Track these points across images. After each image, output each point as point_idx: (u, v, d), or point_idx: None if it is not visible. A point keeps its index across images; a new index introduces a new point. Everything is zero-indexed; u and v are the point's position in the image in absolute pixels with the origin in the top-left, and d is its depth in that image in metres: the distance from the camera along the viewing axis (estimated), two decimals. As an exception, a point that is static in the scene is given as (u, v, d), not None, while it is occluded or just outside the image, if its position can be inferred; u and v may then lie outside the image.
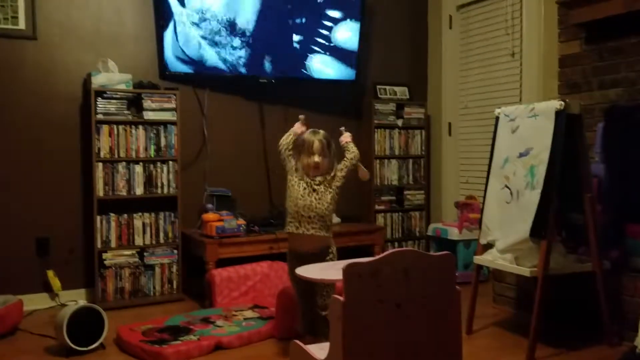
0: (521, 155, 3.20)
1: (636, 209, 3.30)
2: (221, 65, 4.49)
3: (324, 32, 4.80)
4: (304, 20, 4.73)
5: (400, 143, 5.20)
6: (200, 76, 4.47)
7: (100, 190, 4.02)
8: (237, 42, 4.50)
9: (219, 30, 4.43)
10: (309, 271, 2.62)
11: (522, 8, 4.51)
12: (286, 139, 3.09)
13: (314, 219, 2.93)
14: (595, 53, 3.83)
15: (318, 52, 4.80)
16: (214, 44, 4.42)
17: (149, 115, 4.15)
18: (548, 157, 3.02)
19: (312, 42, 4.78)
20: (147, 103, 4.15)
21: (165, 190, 4.23)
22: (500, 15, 4.75)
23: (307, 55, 4.78)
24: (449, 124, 5.33)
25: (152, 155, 4.19)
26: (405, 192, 5.25)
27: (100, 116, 4.01)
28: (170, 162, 4.24)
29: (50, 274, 4.07)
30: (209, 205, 4.41)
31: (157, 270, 4.22)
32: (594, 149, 3.54)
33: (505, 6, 4.69)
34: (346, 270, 1.86)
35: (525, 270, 3.09)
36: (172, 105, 4.22)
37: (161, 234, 4.23)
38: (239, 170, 4.71)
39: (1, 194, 3.99)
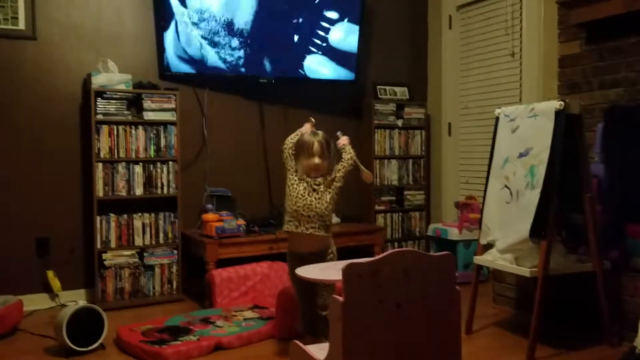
0: (521, 155, 3.20)
1: (636, 209, 3.30)
2: (221, 65, 4.49)
3: (324, 33, 4.80)
4: (304, 21, 4.72)
5: (400, 143, 5.20)
6: (201, 76, 4.47)
7: (100, 190, 4.02)
8: (235, 42, 4.50)
9: (218, 30, 4.43)
10: (309, 271, 2.62)
11: (522, 8, 4.51)
12: (293, 139, 3.08)
13: (313, 218, 2.93)
14: (595, 53, 3.83)
15: (318, 53, 4.80)
16: (214, 44, 4.42)
17: (148, 116, 4.15)
18: (548, 157, 3.02)
19: (312, 43, 4.78)
20: (147, 103, 4.15)
21: (165, 191, 4.23)
22: (500, 16, 4.75)
23: (307, 56, 4.78)
24: (449, 124, 5.33)
25: (152, 156, 4.19)
26: (405, 193, 5.25)
27: (100, 116, 4.01)
28: (170, 163, 4.24)
29: (50, 274, 4.07)
30: (209, 206, 4.41)
31: (157, 270, 4.22)
32: (593, 149, 3.54)
33: (505, 6, 4.69)
34: (346, 271, 1.86)
35: (525, 271, 3.09)
36: (172, 105, 4.22)
37: (161, 235, 4.23)
38: (238, 170, 4.71)
39: (1, 194, 4.00)
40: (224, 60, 4.48)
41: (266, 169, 4.82)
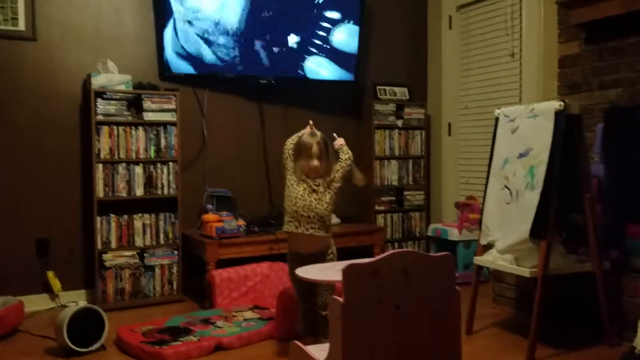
0: (521, 155, 3.20)
1: (636, 209, 3.30)
2: (219, 64, 4.48)
3: (324, 34, 4.80)
4: (304, 21, 4.73)
5: (400, 143, 5.20)
6: (201, 77, 4.47)
7: (100, 191, 4.02)
8: (231, 42, 4.50)
9: (214, 30, 4.43)
10: (309, 272, 2.63)
11: (521, 8, 4.51)
12: (293, 141, 3.08)
13: (313, 219, 2.93)
14: (595, 53, 3.84)
15: (318, 53, 4.81)
16: (210, 43, 4.41)
17: (148, 116, 4.16)
18: (548, 157, 3.02)
19: (312, 43, 4.78)
20: (147, 104, 4.15)
21: (166, 191, 4.23)
22: (500, 16, 4.75)
23: (307, 57, 4.78)
24: (449, 124, 5.33)
25: (152, 156, 4.19)
26: (405, 193, 5.25)
27: (100, 117, 4.01)
28: (170, 163, 4.24)
29: (51, 275, 4.07)
30: (209, 206, 4.41)
31: (157, 271, 4.22)
32: (593, 150, 3.54)
33: (505, 7, 4.69)
34: (346, 271, 1.87)
35: (525, 271, 3.09)
36: (172, 106, 4.22)
37: (161, 235, 4.23)
38: (238, 170, 4.71)
39: (2, 195, 4.00)
40: (221, 60, 4.47)
41: (266, 170, 4.82)
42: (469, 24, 5.14)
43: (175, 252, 4.27)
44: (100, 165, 4.03)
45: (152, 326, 3.44)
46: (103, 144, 4.03)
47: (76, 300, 4.08)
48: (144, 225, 4.18)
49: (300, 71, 4.78)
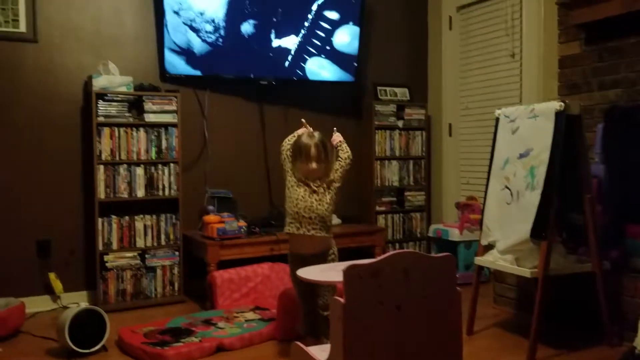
0: (521, 156, 3.21)
1: (636, 210, 3.30)
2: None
3: (324, 35, 4.81)
4: (304, 22, 4.73)
5: (401, 144, 5.21)
6: (201, 78, 4.48)
7: (101, 192, 4.03)
8: (228, 42, 4.52)
9: (212, 30, 4.44)
10: (310, 272, 2.63)
11: (522, 9, 4.51)
12: (290, 141, 3.08)
13: (314, 219, 2.93)
14: (595, 54, 3.84)
15: (318, 54, 4.81)
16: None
17: (149, 118, 4.16)
18: (548, 157, 3.02)
19: (312, 44, 4.78)
20: (148, 105, 4.16)
21: (167, 192, 4.23)
22: (500, 16, 4.75)
23: (307, 57, 4.79)
24: (450, 124, 5.33)
25: (153, 158, 4.20)
26: (406, 193, 5.26)
27: (101, 118, 4.02)
28: (171, 164, 4.25)
29: (52, 276, 4.08)
30: (210, 207, 4.41)
31: (159, 272, 4.23)
32: (593, 150, 3.55)
33: (505, 7, 4.70)
34: (347, 272, 1.87)
35: (525, 271, 3.09)
36: (173, 107, 4.23)
37: (162, 236, 4.24)
38: (239, 171, 4.72)
39: (3, 196, 4.01)
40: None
41: (266, 170, 4.83)
42: (469, 24, 5.14)
43: (177, 253, 4.27)
44: (102, 167, 4.03)
45: (154, 327, 3.44)
46: (104, 145, 4.04)
47: (77, 301, 4.09)
48: (145, 226, 4.19)
49: (300, 72, 4.79)
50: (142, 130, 4.16)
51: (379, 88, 5.21)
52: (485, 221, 3.43)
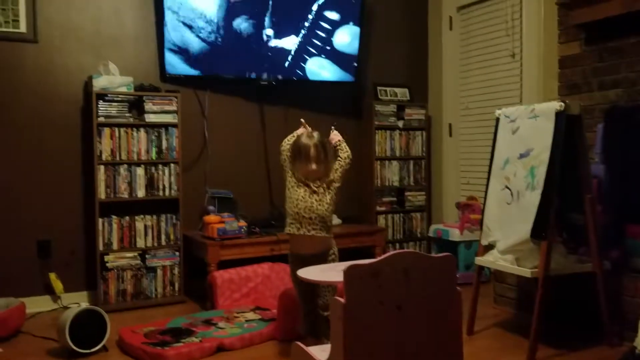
0: (521, 156, 3.21)
1: (636, 210, 3.30)
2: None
3: (324, 35, 4.81)
4: (304, 23, 4.73)
5: (401, 144, 5.21)
6: (202, 78, 4.49)
7: (102, 192, 4.03)
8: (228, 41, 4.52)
9: (212, 31, 4.44)
10: (311, 273, 2.63)
11: (522, 9, 4.51)
12: (290, 141, 3.08)
13: (315, 220, 2.94)
14: (595, 54, 3.84)
15: (318, 54, 4.81)
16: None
17: (150, 118, 4.17)
18: (548, 157, 3.03)
19: (312, 44, 4.78)
20: (148, 105, 4.16)
21: (167, 193, 4.24)
22: (501, 17, 4.76)
23: (307, 58, 4.79)
24: (450, 125, 5.33)
25: (154, 158, 4.20)
26: (406, 193, 5.26)
27: (101, 119, 4.02)
28: (172, 165, 4.25)
29: (53, 276, 4.08)
30: (211, 207, 4.42)
31: (159, 272, 4.23)
32: (594, 150, 3.55)
33: (505, 7, 4.70)
34: (347, 272, 1.87)
35: (526, 271, 3.09)
36: (173, 107, 4.23)
37: (163, 236, 4.24)
38: (239, 171, 4.72)
39: (3, 196, 4.01)
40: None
41: (267, 170, 4.83)
42: (469, 24, 5.14)
43: (177, 253, 4.27)
44: (102, 167, 4.04)
45: (154, 327, 3.44)
46: (104, 145, 4.04)
47: (78, 301, 4.10)
48: (145, 226, 4.19)
49: (300, 72, 4.79)
50: (142, 130, 4.16)
51: (379, 88, 5.22)
52: (486, 221, 3.43)
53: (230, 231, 4.09)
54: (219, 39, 4.47)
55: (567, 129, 3.02)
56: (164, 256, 4.24)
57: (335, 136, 3.16)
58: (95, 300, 4.08)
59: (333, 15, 4.81)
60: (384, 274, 1.91)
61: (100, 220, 4.04)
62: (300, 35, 4.73)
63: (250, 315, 3.65)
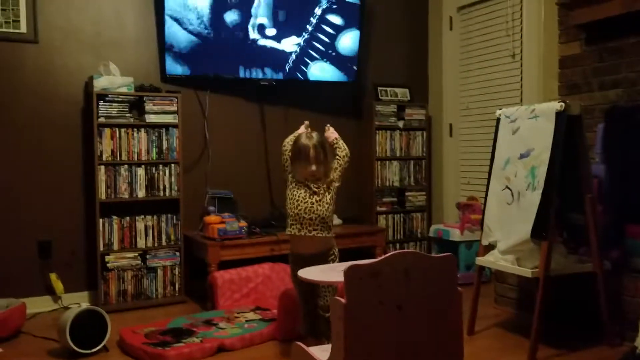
0: (522, 156, 3.21)
1: (637, 210, 3.30)
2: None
3: (324, 37, 4.81)
4: (304, 24, 4.73)
5: (402, 144, 5.21)
6: (202, 78, 4.49)
7: (102, 193, 4.04)
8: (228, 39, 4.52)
9: (213, 32, 4.45)
10: (311, 273, 2.63)
11: (522, 9, 4.52)
12: (291, 141, 3.08)
13: (315, 221, 2.94)
14: (595, 54, 3.84)
15: (318, 55, 4.81)
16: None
17: (150, 118, 4.17)
18: (549, 158, 3.03)
19: (312, 45, 4.78)
20: (148, 106, 4.16)
21: (167, 193, 4.24)
22: (501, 17, 4.76)
23: (307, 58, 4.79)
24: (450, 125, 5.33)
25: (154, 158, 4.20)
26: (407, 194, 5.26)
27: (102, 119, 4.02)
28: (172, 165, 4.25)
29: (53, 276, 4.08)
30: (211, 208, 4.42)
31: (160, 272, 4.23)
32: (594, 150, 3.55)
33: (505, 7, 4.70)
34: (347, 272, 1.87)
35: (526, 271, 3.09)
36: (174, 108, 4.24)
37: (163, 237, 4.25)
38: (240, 172, 4.72)
39: (4, 197, 4.01)
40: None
41: (267, 170, 4.83)
42: (469, 24, 5.14)
43: (177, 253, 4.28)
44: (103, 167, 4.04)
45: (155, 328, 3.44)
46: (105, 145, 4.04)
47: (79, 302, 4.10)
48: (146, 227, 4.19)
49: (301, 73, 4.79)
50: (142, 130, 4.16)
51: (379, 88, 5.21)
52: (486, 221, 3.44)
53: (231, 231, 4.09)
54: (220, 40, 4.47)
55: (567, 129, 3.02)
56: (165, 256, 4.24)
57: (331, 134, 3.16)
58: (96, 301, 4.08)
59: (333, 17, 4.81)
60: (384, 274, 1.91)
61: (100, 220, 4.05)
62: (302, 37, 4.73)
63: (251, 316, 3.65)
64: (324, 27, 4.80)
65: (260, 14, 4.56)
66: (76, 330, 3.08)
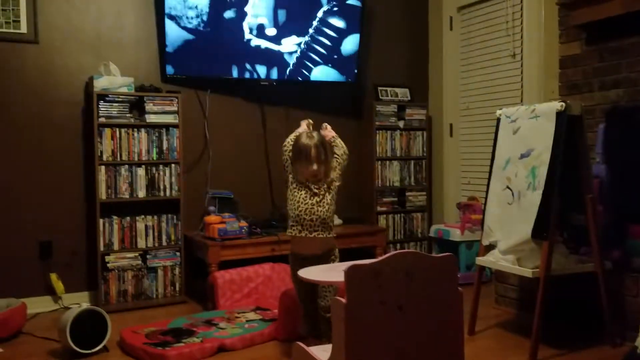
0: (522, 156, 3.21)
1: (637, 210, 3.30)
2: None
3: (324, 39, 4.81)
4: (305, 26, 4.73)
5: (402, 144, 5.20)
6: (202, 79, 4.49)
7: (102, 193, 4.04)
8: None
9: (213, 32, 4.45)
10: (312, 273, 2.63)
11: (522, 9, 4.51)
12: (292, 141, 3.08)
13: (316, 222, 2.94)
14: (595, 54, 3.84)
15: (319, 56, 4.81)
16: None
17: (151, 118, 4.17)
18: (549, 158, 3.02)
19: (312, 47, 4.78)
20: (149, 106, 4.16)
21: (168, 193, 4.24)
22: (501, 17, 4.76)
23: (308, 59, 4.79)
24: (450, 125, 5.33)
25: (155, 158, 4.20)
26: (407, 194, 5.25)
27: (102, 119, 4.02)
28: (173, 165, 4.25)
29: (54, 277, 4.08)
30: (211, 208, 4.42)
31: (160, 272, 4.23)
32: (595, 150, 3.55)
33: (505, 7, 4.70)
34: (348, 272, 1.87)
35: (527, 271, 3.09)
36: (174, 108, 4.24)
37: (164, 237, 4.24)
38: (240, 172, 4.72)
39: (4, 197, 4.01)
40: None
41: (268, 171, 4.83)
42: (470, 24, 5.14)
43: (178, 253, 4.28)
44: (103, 167, 4.04)
45: (155, 328, 3.44)
46: (105, 146, 4.04)
47: (79, 302, 4.10)
48: (146, 227, 4.19)
49: (301, 74, 4.79)
50: (143, 131, 4.16)
51: (379, 88, 5.21)
52: (487, 221, 3.43)
53: (231, 231, 4.09)
54: (220, 41, 4.47)
55: (568, 129, 3.02)
56: (165, 256, 4.24)
57: (328, 132, 3.16)
58: (96, 301, 4.08)
59: (334, 19, 4.81)
60: (385, 274, 1.91)
61: (101, 220, 4.05)
62: (303, 37, 4.73)
63: (251, 316, 3.65)
64: (325, 29, 4.79)
65: (261, 14, 4.56)
66: (76, 330, 3.08)
